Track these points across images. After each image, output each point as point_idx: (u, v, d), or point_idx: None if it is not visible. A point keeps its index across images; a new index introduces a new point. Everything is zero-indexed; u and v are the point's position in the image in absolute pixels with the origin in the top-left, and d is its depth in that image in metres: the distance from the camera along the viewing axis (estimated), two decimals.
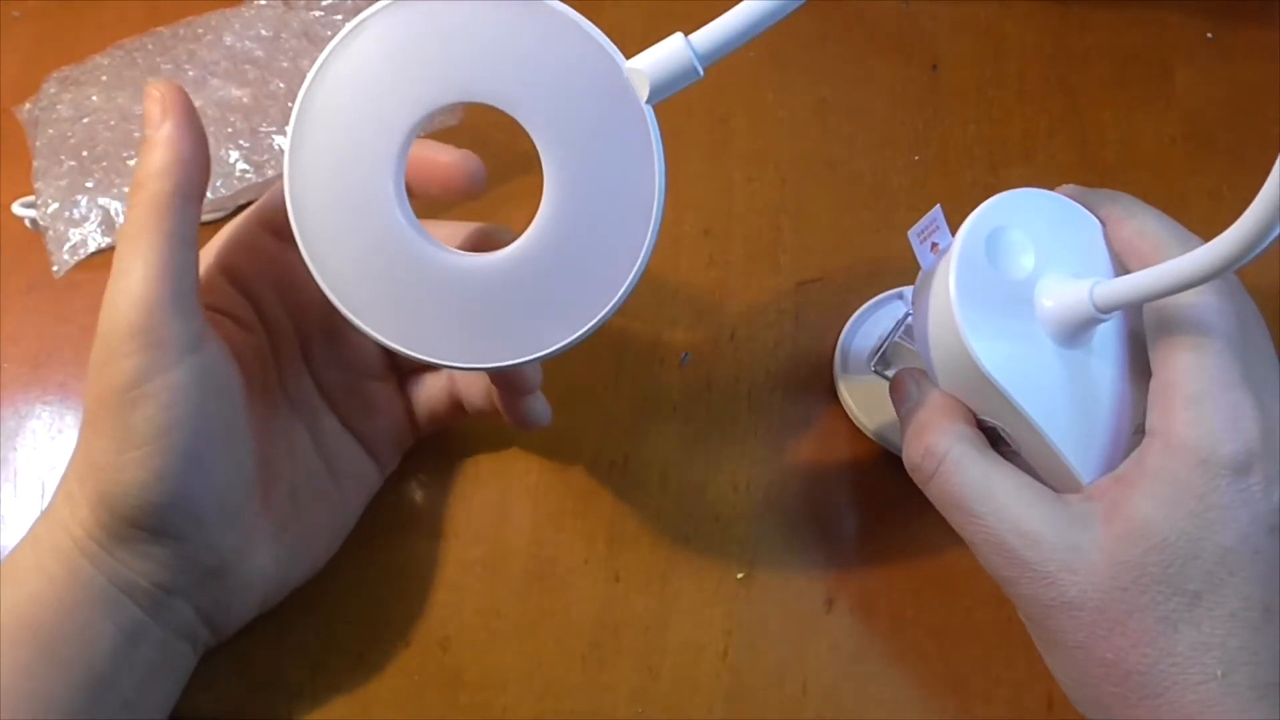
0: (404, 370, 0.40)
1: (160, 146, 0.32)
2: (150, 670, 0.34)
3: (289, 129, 0.32)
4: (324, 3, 0.47)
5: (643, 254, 0.32)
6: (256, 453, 0.35)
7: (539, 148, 0.31)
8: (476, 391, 0.38)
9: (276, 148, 0.44)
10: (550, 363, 0.43)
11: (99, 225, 0.42)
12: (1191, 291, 0.30)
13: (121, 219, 0.41)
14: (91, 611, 0.33)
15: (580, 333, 0.32)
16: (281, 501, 0.36)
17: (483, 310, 0.32)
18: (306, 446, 0.38)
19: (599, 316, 0.32)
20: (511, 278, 0.32)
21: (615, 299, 0.32)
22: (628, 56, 0.30)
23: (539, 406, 0.38)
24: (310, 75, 0.32)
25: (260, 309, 0.36)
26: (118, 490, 0.32)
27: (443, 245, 0.33)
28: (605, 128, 0.31)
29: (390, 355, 0.39)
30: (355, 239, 0.32)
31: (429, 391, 0.40)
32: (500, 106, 0.31)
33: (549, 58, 0.31)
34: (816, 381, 0.43)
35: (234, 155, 0.44)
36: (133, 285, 0.31)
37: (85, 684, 0.32)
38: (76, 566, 0.33)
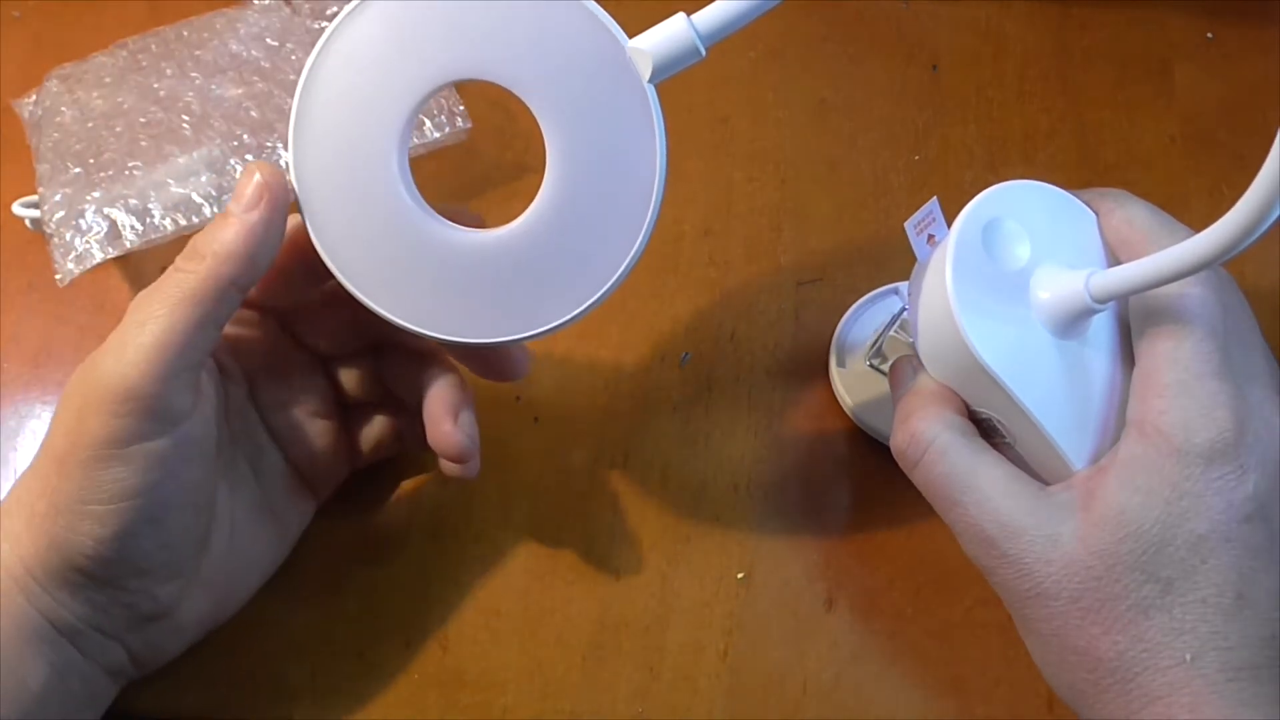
0: (349, 404, 0.40)
1: (239, 230, 0.32)
2: (75, 703, 0.34)
3: (293, 107, 0.32)
4: (329, 11, 0.47)
5: (643, 233, 0.32)
6: (211, 508, 0.35)
7: (541, 125, 0.32)
8: (437, 421, 0.36)
9: (283, 164, 0.44)
10: (550, 362, 0.43)
11: (104, 236, 0.42)
12: (1176, 283, 0.30)
13: (127, 231, 0.41)
14: (25, 648, 0.32)
15: (582, 309, 0.32)
16: (222, 542, 0.36)
17: (486, 285, 0.33)
18: (249, 483, 0.37)
19: (600, 293, 0.32)
20: (514, 253, 0.33)
21: (615, 276, 0.32)
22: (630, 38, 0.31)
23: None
24: (313, 56, 0.32)
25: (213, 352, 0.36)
26: (71, 538, 0.32)
27: (445, 220, 0.33)
28: (607, 106, 0.31)
29: (335, 391, 0.39)
30: (361, 216, 0.33)
31: (375, 426, 0.40)
32: (503, 84, 0.32)
33: (552, 36, 0.31)
34: (816, 381, 0.43)
35: (240, 170, 0.44)
36: (146, 346, 0.31)
37: (10, 717, 0.32)
38: (14, 604, 0.32)
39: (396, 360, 0.38)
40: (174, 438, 0.32)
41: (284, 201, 0.32)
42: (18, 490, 0.33)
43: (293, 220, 0.34)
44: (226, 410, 0.36)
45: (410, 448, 0.40)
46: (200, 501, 0.34)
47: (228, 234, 0.32)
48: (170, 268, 0.32)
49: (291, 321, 0.38)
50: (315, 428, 0.38)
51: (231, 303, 0.32)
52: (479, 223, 0.35)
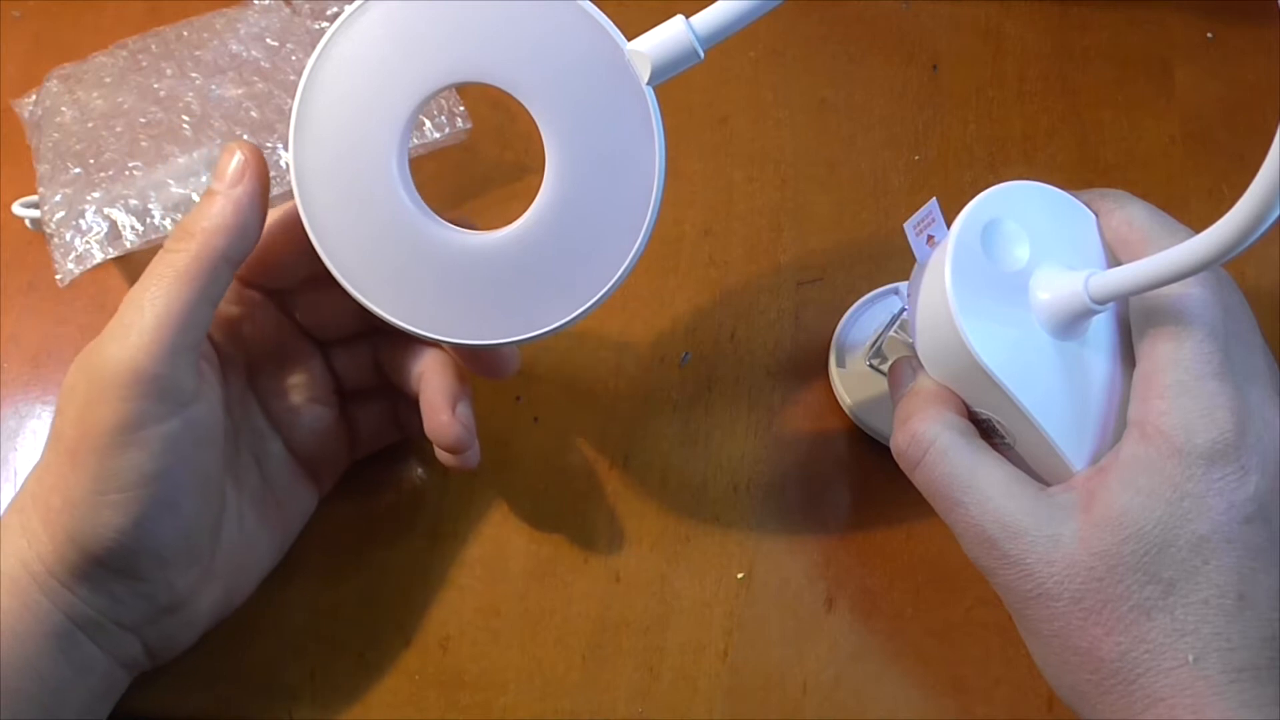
0: (347, 391, 0.40)
1: (225, 203, 0.33)
2: (92, 696, 0.34)
3: (293, 108, 0.32)
4: (329, 11, 0.47)
5: (643, 233, 0.32)
6: (221, 496, 0.35)
7: (540, 128, 0.32)
8: (434, 411, 0.37)
9: (284, 165, 0.44)
10: (551, 362, 0.43)
11: (105, 236, 0.42)
12: (1177, 284, 0.30)
13: (127, 231, 0.41)
14: (44, 644, 0.32)
15: (582, 310, 0.33)
16: (231, 532, 0.36)
17: (485, 287, 0.33)
18: (252, 472, 0.37)
19: (599, 294, 0.32)
20: (514, 255, 0.33)
21: (615, 277, 0.32)
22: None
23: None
24: (313, 57, 0.32)
25: (212, 340, 0.36)
26: (90, 530, 0.32)
27: (445, 222, 0.33)
28: (606, 109, 0.31)
29: (333, 378, 0.39)
30: (360, 218, 0.33)
31: (374, 412, 0.40)
32: (502, 87, 0.32)
33: (551, 39, 0.31)
34: (816, 381, 0.43)
35: None
36: (148, 328, 0.31)
37: (29, 714, 0.32)
38: (32, 600, 0.32)
39: (394, 349, 0.38)
40: (183, 419, 0.32)
41: (265, 176, 0.33)
42: (31, 486, 0.33)
43: (291, 204, 0.34)
44: (228, 400, 0.36)
45: (409, 435, 0.40)
46: (211, 487, 0.34)
47: (214, 207, 0.33)
48: (160, 251, 0.33)
49: (290, 304, 0.38)
50: (314, 414, 0.39)
51: (224, 278, 0.33)
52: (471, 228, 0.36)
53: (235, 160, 0.33)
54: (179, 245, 0.32)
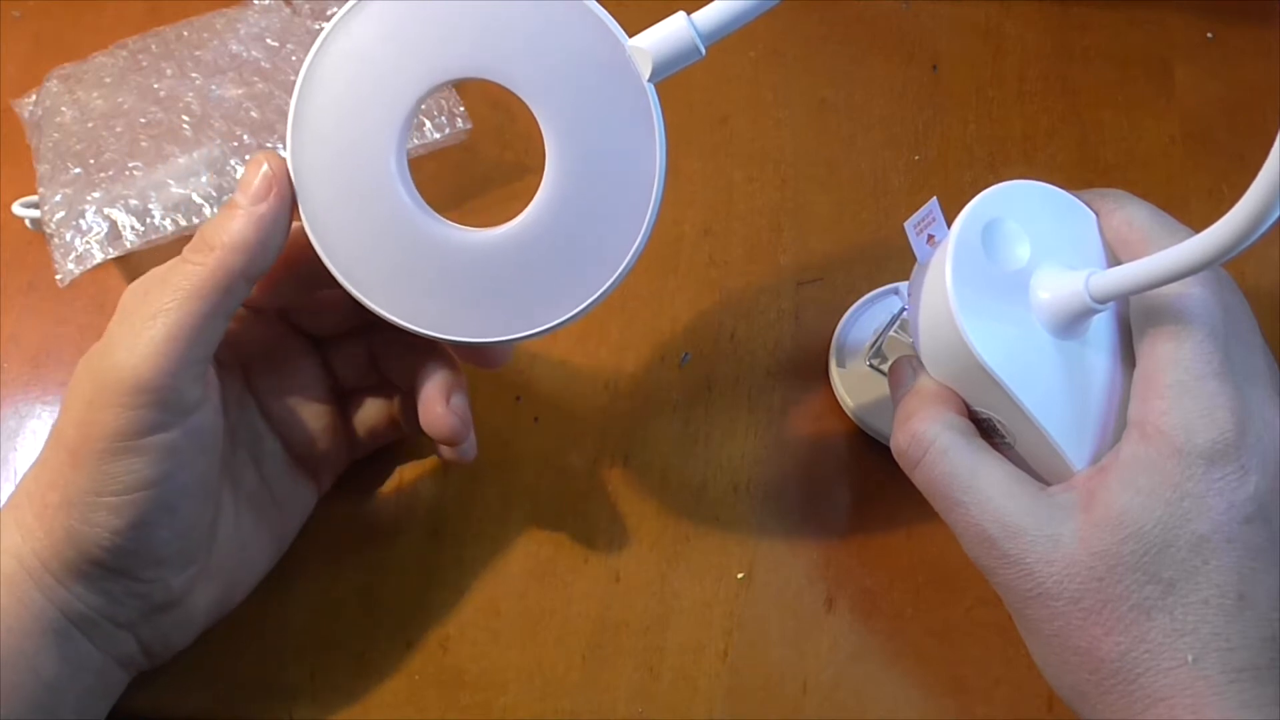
0: (345, 391, 0.40)
1: (248, 221, 0.32)
2: (90, 695, 0.34)
3: (291, 107, 0.32)
4: (329, 11, 0.47)
5: (643, 232, 0.32)
6: (218, 496, 0.35)
7: (540, 124, 0.32)
8: (430, 404, 0.37)
9: None
10: (550, 362, 0.43)
11: (105, 237, 0.42)
12: (1177, 283, 0.30)
13: (127, 231, 0.41)
14: (40, 640, 0.32)
15: (581, 308, 0.33)
16: (228, 531, 0.36)
17: (484, 284, 0.33)
18: (250, 471, 0.37)
19: (599, 293, 0.32)
20: (513, 252, 0.33)
21: (615, 276, 0.32)
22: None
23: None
24: (311, 54, 0.32)
25: None
26: (86, 530, 0.32)
27: (444, 220, 0.33)
28: (607, 105, 0.31)
29: (330, 377, 0.39)
30: (359, 216, 0.33)
31: (371, 411, 0.40)
32: (502, 83, 0.32)
33: (551, 34, 0.31)
34: (816, 381, 0.43)
35: (240, 171, 0.44)
36: (158, 338, 0.31)
37: (26, 711, 0.32)
38: (27, 596, 0.32)
39: (388, 345, 0.38)
40: (185, 428, 0.32)
41: (290, 192, 0.33)
42: (27, 483, 0.33)
43: (293, 226, 0.34)
44: (226, 401, 0.36)
45: (407, 433, 0.41)
46: (209, 490, 0.34)
47: (237, 223, 0.32)
48: (177, 259, 0.33)
49: (286, 305, 0.38)
50: (311, 413, 0.38)
51: (240, 294, 0.33)
52: None
53: (261, 174, 0.32)
54: (197, 258, 0.32)
